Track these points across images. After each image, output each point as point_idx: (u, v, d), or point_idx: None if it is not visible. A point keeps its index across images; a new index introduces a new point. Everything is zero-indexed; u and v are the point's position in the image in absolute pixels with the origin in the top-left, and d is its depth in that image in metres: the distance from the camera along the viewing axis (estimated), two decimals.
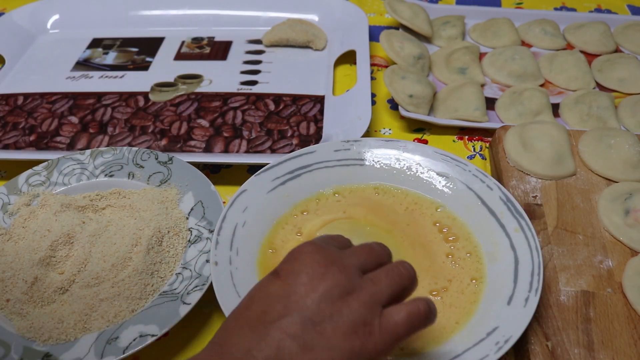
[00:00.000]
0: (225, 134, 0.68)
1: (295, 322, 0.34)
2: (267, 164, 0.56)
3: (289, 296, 0.35)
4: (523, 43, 0.83)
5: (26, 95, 0.75)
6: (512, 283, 0.47)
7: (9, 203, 0.57)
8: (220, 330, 0.36)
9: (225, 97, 0.74)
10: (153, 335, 0.45)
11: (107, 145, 0.67)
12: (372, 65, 0.80)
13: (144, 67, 0.80)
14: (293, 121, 0.70)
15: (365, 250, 0.39)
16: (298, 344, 0.33)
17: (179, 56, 0.82)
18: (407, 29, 0.82)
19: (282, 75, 0.78)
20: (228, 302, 0.44)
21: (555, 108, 0.71)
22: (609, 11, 0.93)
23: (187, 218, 0.55)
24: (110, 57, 0.82)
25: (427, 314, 0.37)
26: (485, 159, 0.66)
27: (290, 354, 0.33)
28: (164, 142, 0.68)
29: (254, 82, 0.77)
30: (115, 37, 0.86)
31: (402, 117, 0.71)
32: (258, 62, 0.81)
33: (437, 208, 0.55)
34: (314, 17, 0.87)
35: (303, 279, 0.36)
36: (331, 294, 0.35)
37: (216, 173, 0.64)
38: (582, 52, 0.80)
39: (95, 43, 0.85)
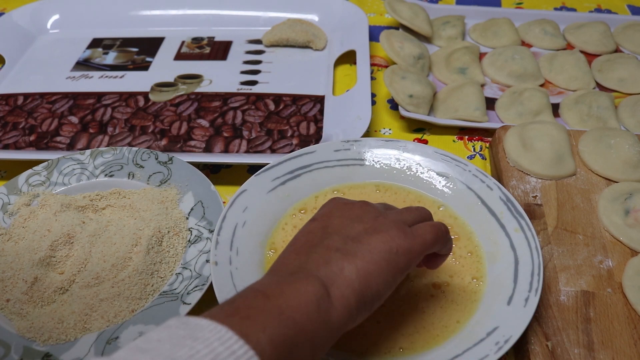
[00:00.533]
0: (225, 134, 0.68)
1: (335, 240, 0.39)
2: (267, 164, 0.56)
3: (327, 227, 0.41)
4: (523, 43, 0.83)
5: (26, 95, 0.75)
6: (512, 283, 0.47)
7: (9, 203, 0.57)
8: (272, 265, 0.40)
9: (225, 97, 0.74)
10: None
11: (107, 145, 0.67)
12: (372, 65, 0.80)
13: (144, 67, 0.80)
14: (293, 121, 0.70)
15: (405, 209, 0.44)
16: (342, 253, 0.38)
17: (179, 56, 0.82)
18: (407, 29, 0.82)
19: (282, 75, 0.78)
20: None
21: (555, 108, 0.71)
22: (609, 11, 0.93)
23: (187, 218, 0.55)
24: (110, 57, 0.82)
25: (447, 231, 0.43)
26: (485, 159, 0.66)
27: (337, 262, 0.37)
28: (164, 142, 0.67)
29: (254, 82, 0.77)
30: (115, 37, 0.86)
31: (402, 117, 0.71)
32: (258, 62, 0.81)
33: (439, 207, 0.55)
34: (314, 17, 0.87)
35: (336, 214, 0.42)
36: (362, 217, 0.41)
37: (216, 173, 0.64)
38: (582, 52, 0.80)
39: (95, 43, 0.85)
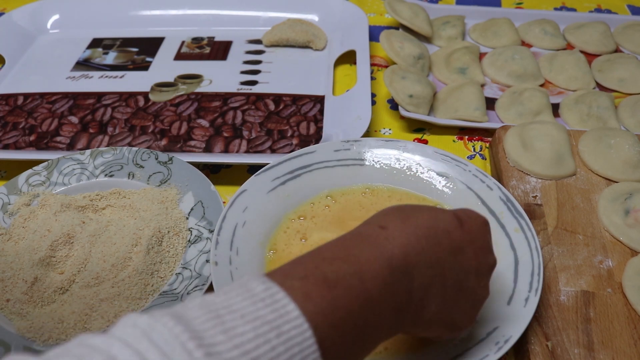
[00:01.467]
0: (225, 134, 0.68)
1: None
2: (267, 164, 0.56)
3: (472, 242, 0.38)
4: (523, 43, 0.83)
5: (26, 95, 0.75)
6: (512, 283, 0.47)
7: (9, 203, 0.57)
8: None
9: (225, 97, 0.74)
10: None
11: (107, 145, 0.67)
12: (372, 65, 0.80)
13: (144, 67, 0.80)
14: (293, 121, 0.70)
15: None
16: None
17: (179, 56, 0.82)
18: (407, 29, 0.82)
19: (282, 75, 0.78)
20: None
21: (555, 108, 0.71)
22: (609, 11, 0.93)
23: (187, 218, 0.55)
24: (110, 57, 0.82)
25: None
26: (485, 159, 0.66)
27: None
28: (164, 142, 0.67)
29: (254, 82, 0.77)
30: (115, 37, 0.86)
31: (402, 117, 0.71)
32: (258, 62, 0.81)
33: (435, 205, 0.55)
34: (314, 17, 0.87)
35: (448, 263, 0.37)
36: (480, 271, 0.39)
37: (216, 173, 0.64)
38: (582, 52, 0.80)
39: (95, 43, 0.85)
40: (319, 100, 0.73)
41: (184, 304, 0.28)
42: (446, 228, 0.36)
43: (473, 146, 0.68)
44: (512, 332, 0.43)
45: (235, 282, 0.30)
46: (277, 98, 0.74)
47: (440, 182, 0.56)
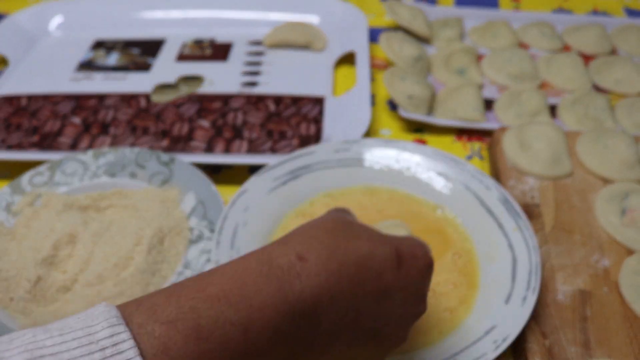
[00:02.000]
0: (226, 135, 0.69)
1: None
2: (268, 164, 0.57)
3: (405, 288, 0.33)
4: (521, 45, 0.84)
5: (29, 97, 0.76)
6: (510, 282, 0.48)
7: (13, 203, 0.58)
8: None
9: (226, 98, 0.75)
10: None
11: (109, 146, 0.68)
12: (371, 66, 0.80)
13: (146, 68, 0.81)
14: (293, 122, 0.70)
15: None
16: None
17: (181, 57, 0.83)
18: (406, 30, 0.82)
19: (283, 77, 0.78)
20: None
21: (553, 109, 0.72)
22: (605, 14, 0.93)
23: (189, 218, 0.56)
24: (113, 59, 0.83)
25: None
26: (484, 160, 0.67)
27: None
28: (165, 142, 0.68)
29: (254, 83, 0.77)
30: (117, 39, 0.87)
31: (402, 118, 0.71)
32: (259, 63, 0.81)
33: (436, 209, 0.56)
34: (314, 19, 0.88)
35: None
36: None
37: (217, 173, 0.65)
38: (579, 53, 0.80)
39: (98, 45, 0.86)
40: (319, 101, 0.74)
41: (7, 342, 0.23)
42: (379, 269, 0.31)
43: (472, 147, 0.68)
44: (510, 330, 0.44)
45: (83, 313, 0.24)
46: (278, 99, 0.74)
47: (439, 182, 0.57)
